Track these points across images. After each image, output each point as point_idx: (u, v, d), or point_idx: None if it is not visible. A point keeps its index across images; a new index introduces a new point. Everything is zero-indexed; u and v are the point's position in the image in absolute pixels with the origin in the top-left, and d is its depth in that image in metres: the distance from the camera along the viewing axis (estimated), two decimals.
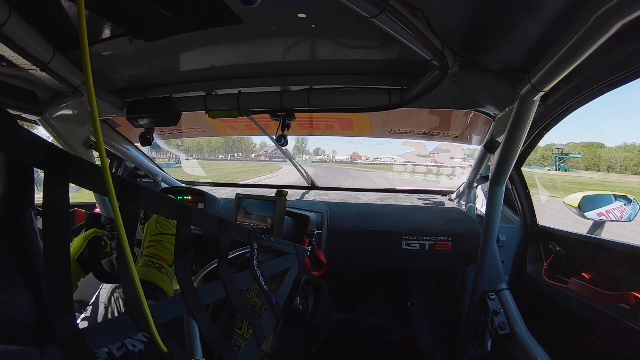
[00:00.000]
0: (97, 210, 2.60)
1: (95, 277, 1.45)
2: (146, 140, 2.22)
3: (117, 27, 1.44)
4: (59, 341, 0.56)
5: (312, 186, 3.22)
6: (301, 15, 1.29)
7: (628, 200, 2.10)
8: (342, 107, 1.92)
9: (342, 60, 1.70)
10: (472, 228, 2.24)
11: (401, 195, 3.08)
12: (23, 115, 1.95)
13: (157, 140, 3.13)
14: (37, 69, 1.52)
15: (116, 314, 1.50)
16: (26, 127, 0.56)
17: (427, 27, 1.24)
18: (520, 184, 2.25)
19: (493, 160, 1.79)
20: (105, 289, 1.59)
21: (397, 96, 1.78)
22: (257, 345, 1.16)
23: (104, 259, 1.54)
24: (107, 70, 1.85)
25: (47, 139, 0.63)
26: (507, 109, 1.61)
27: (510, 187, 2.28)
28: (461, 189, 2.72)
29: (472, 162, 2.41)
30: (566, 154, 52.79)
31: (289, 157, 2.81)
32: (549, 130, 1.90)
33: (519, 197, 2.28)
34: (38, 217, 0.74)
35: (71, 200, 0.61)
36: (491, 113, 1.75)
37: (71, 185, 0.60)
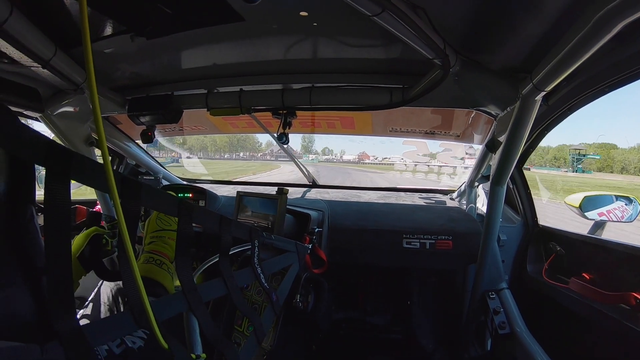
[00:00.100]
0: (98, 207, 2.61)
1: (97, 274, 1.45)
2: (147, 137, 2.22)
3: (119, 24, 1.44)
4: (60, 338, 0.56)
5: (313, 184, 3.22)
6: (303, 13, 1.29)
7: (629, 201, 2.10)
8: (343, 106, 1.92)
9: (343, 58, 1.70)
10: (473, 227, 2.24)
11: (402, 194, 3.07)
12: (25, 113, 1.95)
13: (159, 137, 3.13)
14: (39, 66, 1.52)
15: (116, 311, 1.50)
16: (27, 125, 0.56)
17: (429, 26, 1.23)
18: (522, 184, 2.25)
19: (494, 159, 1.79)
20: (105, 285, 1.60)
21: (399, 95, 1.78)
22: (257, 342, 1.17)
23: (105, 257, 1.54)
24: (108, 67, 1.85)
25: (49, 136, 0.63)
26: (508, 109, 1.60)
27: (511, 186, 2.28)
28: (462, 188, 2.72)
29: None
30: (584, 155, 51.88)
31: (290, 155, 2.81)
32: (550, 130, 1.89)
33: (520, 197, 2.28)
34: (39, 214, 0.74)
35: (72, 198, 0.61)
36: (493, 112, 1.75)
37: (72, 182, 0.60)
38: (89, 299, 1.60)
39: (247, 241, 1.24)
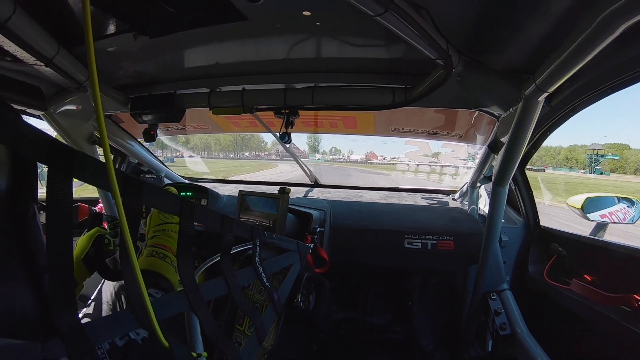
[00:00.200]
0: (100, 206, 2.62)
1: (99, 274, 1.46)
2: (150, 136, 2.23)
3: (122, 23, 1.44)
4: (61, 336, 0.56)
5: (315, 184, 3.22)
6: (306, 13, 1.29)
7: (631, 203, 2.09)
8: (346, 105, 1.92)
9: (346, 58, 1.70)
10: (474, 228, 2.24)
11: (404, 194, 3.07)
12: (27, 111, 1.95)
13: (161, 136, 3.13)
14: (42, 64, 1.53)
15: (118, 309, 1.51)
16: (30, 123, 0.56)
17: (432, 27, 1.23)
18: (524, 185, 2.24)
19: (497, 160, 1.79)
20: (107, 284, 1.60)
21: (402, 95, 1.77)
22: (258, 342, 1.17)
23: (108, 258, 1.54)
24: (111, 66, 1.86)
25: (51, 134, 0.63)
26: (511, 109, 1.60)
27: (513, 187, 2.27)
28: (464, 188, 2.71)
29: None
30: (602, 156, 50.65)
31: (292, 154, 2.81)
32: (553, 131, 1.89)
33: (522, 198, 2.28)
34: (41, 212, 0.74)
35: (74, 195, 0.61)
36: (495, 113, 1.74)
37: (74, 180, 0.61)
38: (91, 298, 1.60)
39: (249, 240, 1.24)
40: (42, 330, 0.62)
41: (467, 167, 3.10)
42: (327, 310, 1.81)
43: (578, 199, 2.06)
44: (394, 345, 2.63)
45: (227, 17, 1.35)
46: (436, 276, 2.57)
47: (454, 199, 2.90)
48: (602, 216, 2.04)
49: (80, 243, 1.44)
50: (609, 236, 1.99)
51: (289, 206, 2.04)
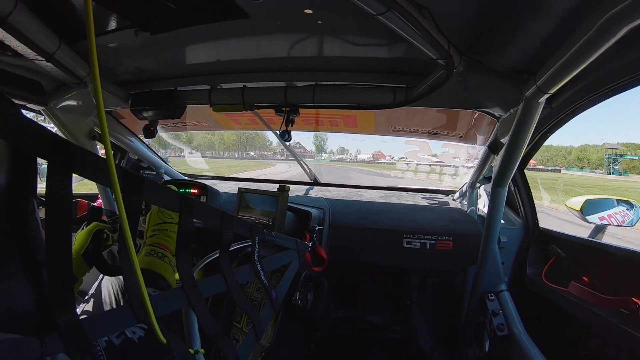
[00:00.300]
0: (99, 202, 2.61)
1: (97, 269, 1.46)
2: (150, 132, 2.22)
3: (123, 19, 1.44)
4: (59, 331, 0.57)
5: (315, 182, 3.22)
6: (308, 11, 1.29)
7: (630, 205, 2.10)
8: (346, 104, 1.92)
9: (347, 57, 1.70)
10: (473, 228, 2.24)
11: (404, 193, 3.07)
12: (28, 106, 1.95)
13: (161, 132, 3.13)
14: (43, 59, 1.52)
15: (116, 306, 1.51)
16: (31, 117, 0.56)
17: (433, 26, 1.23)
18: (523, 186, 2.24)
19: (496, 161, 1.79)
20: (106, 280, 1.60)
21: (402, 94, 1.77)
22: (256, 339, 1.17)
23: (105, 250, 1.54)
24: (112, 62, 1.85)
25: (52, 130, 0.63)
26: (512, 110, 1.60)
27: (512, 188, 2.28)
28: (464, 189, 2.71)
29: None
30: (620, 155, 49.40)
31: (292, 153, 2.81)
32: (553, 133, 1.89)
33: (521, 199, 2.28)
34: (40, 207, 0.74)
35: (73, 191, 0.61)
36: (496, 114, 1.75)
37: (74, 175, 0.61)
38: (90, 293, 1.60)
39: (248, 238, 1.24)
40: (40, 326, 0.62)
41: (468, 167, 3.09)
42: (326, 309, 1.81)
43: (577, 201, 2.07)
44: (392, 345, 2.63)
45: (229, 15, 1.35)
46: (435, 276, 2.57)
47: (453, 199, 2.90)
48: (600, 218, 2.04)
49: (79, 238, 1.44)
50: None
51: (288, 204, 2.04)
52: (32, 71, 1.82)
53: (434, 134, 2.62)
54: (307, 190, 3.01)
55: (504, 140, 1.67)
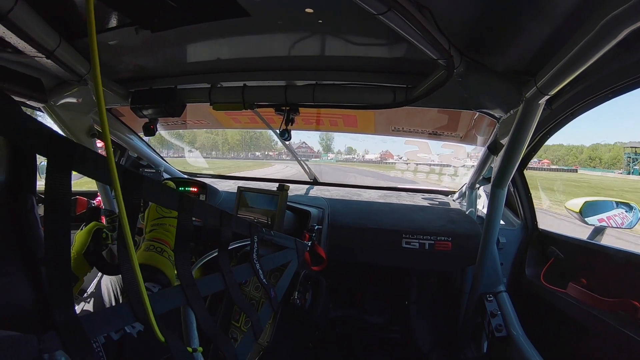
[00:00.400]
0: (98, 199, 2.62)
1: (98, 269, 1.46)
2: (150, 130, 2.22)
3: (124, 16, 1.44)
4: (57, 329, 0.57)
5: (315, 182, 3.23)
6: (308, 10, 1.28)
7: (630, 208, 2.10)
8: (346, 104, 1.92)
9: (348, 56, 1.70)
10: (472, 229, 2.24)
11: (403, 193, 3.07)
12: (28, 103, 1.95)
13: (161, 130, 3.13)
14: (43, 56, 1.52)
15: (114, 303, 1.51)
16: (30, 115, 0.56)
17: (434, 27, 1.23)
18: (522, 187, 2.24)
19: (496, 162, 1.79)
20: (105, 278, 1.60)
21: (402, 94, 1.77)
22: (254, 338, 1.17)
23: (104, 250, 1.54)
24: (112, 59, 1.85)
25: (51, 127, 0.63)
26: (511, 112, 1.60)
27: (512, 189, 2.28)
28: (463, 189, 2.72)
29: None
30: None
31: (292, 152, 2.81)
32: (553, 134, 1.89)
33: (520, 200, 2.28)
34: (39, 204, 0.74)
35: (72, 189, 0.61)
36: (496, 115, 1.74)
37: (73, 173, 0.61)
38: (89, 292, 1.60)
39: (247, 237, 1.24)
40: (38, 323, 0.62)
41: (467, 168, 3.10)
42: (324, 308, 1.82)
43: (576, 203, 2.07)
44: (390, 345, 2.63)
45: (230, 13, 1.35)
46: (433, 276, 2.57)
47: (453, 200, 2.90)
48: (600, 220, 2.04)
49: (79, 238, 1.44)
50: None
51: (288, 203, 2.04)
52: (32, 68, 1.81)
53: (433, 135, 2.62)
54: (307, 190, 3.01)
55: (504, 141, 1.67)
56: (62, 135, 0.59)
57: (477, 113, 1.85)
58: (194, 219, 0.91)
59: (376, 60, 1.71)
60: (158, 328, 0.74)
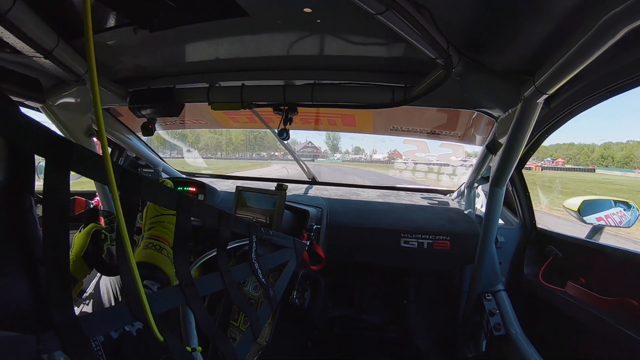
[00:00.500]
0: (97, 199, 2.61)
1: (97, 270, 1.46)
2: (148, 130, 2.22)
3: (122, 16, 1.44)
4: (56, 329, 0.57)
5: (313, 181, 3.22)
6: (307, 10, 1.28)
7: (628, 206, 2.10)
8: (345, 103, 1.92)
9: (346, 56, 1.69)
10: (471, 228, 2.24)
11: (401, 193, 3.07)
12: (26, 103, 1.95)
13: (159, 130, 3.13)
14: (41, 56, 1.52)
15: (113, 303, 1.51)
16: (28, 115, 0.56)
17: (432, 26, 1.23)
18: (521, 186, 2.25)
19: (494, 161, 1.79)
20: (104, 279, 1.60)
21: (401, 94, 1.77)
22: (253, 337, 1.17)
23: (103, 254, 1.54)
24: (110, 59, 1.85)
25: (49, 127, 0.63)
26: (510, 111, 1.60)
27: (510, 188, 2.28)
28: (462, 188, 2.72)
29: None
30: None
31: (291, 151, 2.81)
32: (551, 134, 1.89)
33: (519, 199, 2.28)
34: (38, 204, 0.74)
35: (71, 189, 0.61)
36: (494, 114, 1.75)
37: (72, 173, 0.61)
38: (88, 293, 1.60)
39: (245, 236, 1.24)
40: (37, 323, 0.62)
41: (466, 167, 3.10)
42: (323, 308, 1.82)
43: (575, 202, 2.07)
44: (388, 344, 2.64)
45: (228, 13, 1.35)
46: (432, 276, 2.57)
47: (452, 199, 2.90)
48: (598, 219, 2.05)
49: (78, 240, 1.44)
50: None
51: (286, 203, 2.04)
52: (30, 68, 1.81)
53: (432, 134, 2.62)
54: (306, 190, 3.01)
55: (502, 140, 1.67)
56: (60, 135, 0.59)
57: (476, 112, 1.85)
58: (192, 218, 0.91)
59: (374, 60, 1.71)
60: (157, 328, 0.74)
